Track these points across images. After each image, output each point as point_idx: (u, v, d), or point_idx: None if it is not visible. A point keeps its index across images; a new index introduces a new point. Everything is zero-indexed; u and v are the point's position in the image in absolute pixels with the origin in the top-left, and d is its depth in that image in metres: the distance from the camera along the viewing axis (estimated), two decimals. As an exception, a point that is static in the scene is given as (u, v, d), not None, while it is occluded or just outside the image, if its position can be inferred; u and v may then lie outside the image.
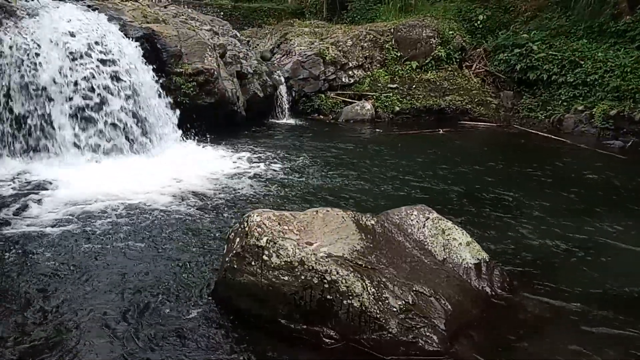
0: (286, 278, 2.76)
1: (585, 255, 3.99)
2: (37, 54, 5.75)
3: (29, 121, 5.64)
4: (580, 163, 7.47)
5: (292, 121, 10.63)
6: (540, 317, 3.04)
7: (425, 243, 3.31)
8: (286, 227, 2.99)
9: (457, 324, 2.76)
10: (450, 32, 12.32)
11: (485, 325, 2.91)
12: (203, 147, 7.18)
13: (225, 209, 4.81)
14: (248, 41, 11.83)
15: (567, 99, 10.40)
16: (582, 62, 10.35)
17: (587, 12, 11.06)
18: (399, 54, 12.23)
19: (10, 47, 5.63)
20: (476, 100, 11.24)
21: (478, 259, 3.27)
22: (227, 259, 3.00)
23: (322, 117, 11.12)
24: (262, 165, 6.53)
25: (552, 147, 8.73)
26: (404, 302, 2.67)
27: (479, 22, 12.91)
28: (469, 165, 6.99)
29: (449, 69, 12.08)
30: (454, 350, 2.62)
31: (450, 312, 2.75)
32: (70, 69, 5.91)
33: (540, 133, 9.83)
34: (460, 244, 3.32)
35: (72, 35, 6.12)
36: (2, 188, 4.98)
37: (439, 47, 12.12)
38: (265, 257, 2.82)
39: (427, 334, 2.60)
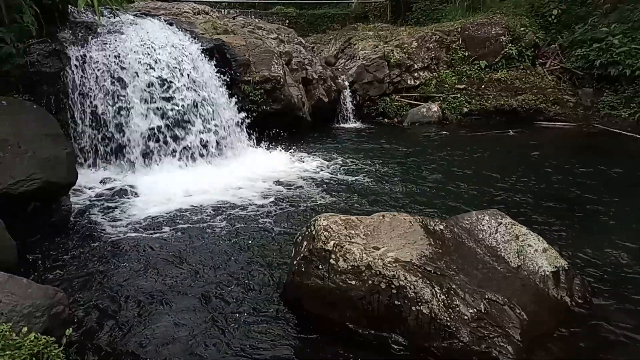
0: (353, 282, 2.76)
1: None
2: (123, 68, 6.13)
3: (115, 133, 6.03)
4: (671, 164, 6.87)
5: (357, 125, 10.63)
6: (622, 330, 2.85)
7: (498, 249, 3.19)
8: (353, 232, 3.00)
9: (534, 334, 2.63)
10: (522, 29, 11.80)
11: (564, 337, 2.76)
12: (271, 152, 7.36)
13: (294, 212, 4.90)
14: (312, 47, 11.97)
15: (653, 95, 9.63)
16: (671, 56, 9.56)
17: (675, 0, 10.20)
18: (466, 54, 11.88)
19: (95, 63, 6.05)
20: (551, 98, 10.65)
21: (556, 266, 3.10)
22: (295, 262, 3.05)
23: (387, 120, 11.02)
24: (328, 169, 6.59)
25: (638, 148, 8.09)
26: (475, 310, 2.59)
27: (552, 17, 12.27)
28: (545, 167, 6.64)
29: (521, 67, 11.56)
30: (530, 362, 2.50)
31: (526, 322, 2.63)
32: (154, 85, 6.26)
33: (624, 132, 9.13)
34: (536, 250, 3.16)
35: (157, 60, 6.47)
36: (93, 190, 5.42)
37: (510, 44, 11.64)
38: (332, 261, 2.84)
39: (501, 344, 2.50)
